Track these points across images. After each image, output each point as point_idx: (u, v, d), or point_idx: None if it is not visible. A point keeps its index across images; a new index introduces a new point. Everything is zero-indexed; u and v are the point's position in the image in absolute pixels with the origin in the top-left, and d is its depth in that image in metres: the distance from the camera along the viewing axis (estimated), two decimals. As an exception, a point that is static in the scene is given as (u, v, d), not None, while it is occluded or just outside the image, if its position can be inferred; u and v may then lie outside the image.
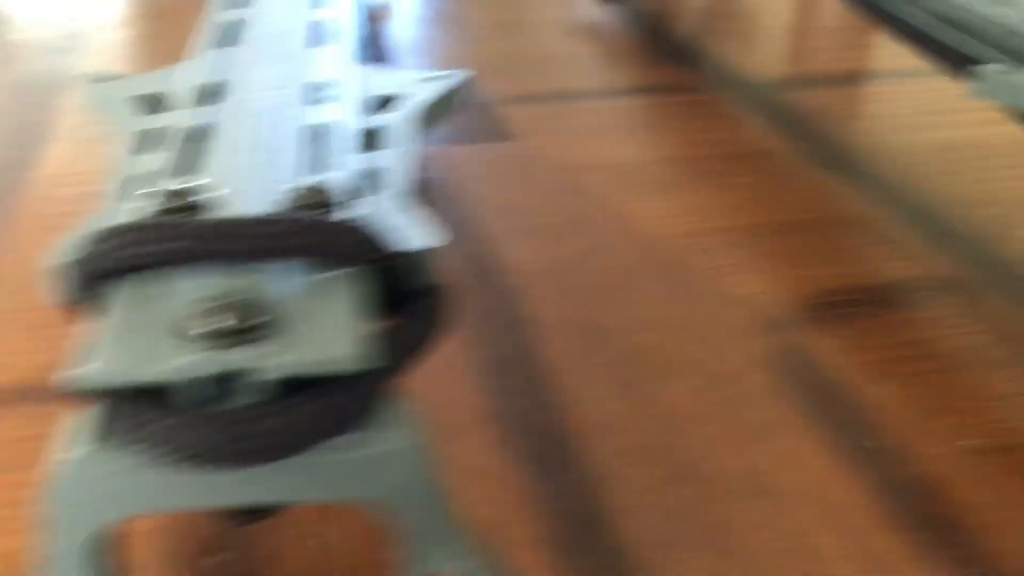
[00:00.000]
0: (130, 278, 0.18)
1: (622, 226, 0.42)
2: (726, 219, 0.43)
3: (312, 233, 0.18)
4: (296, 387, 0.16)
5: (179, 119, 0.25)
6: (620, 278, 0.38)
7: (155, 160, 0.23)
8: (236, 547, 0.26)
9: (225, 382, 0.17)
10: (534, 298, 0.36)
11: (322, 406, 0.16)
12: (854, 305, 0.37)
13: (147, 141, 0.25)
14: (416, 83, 0.29)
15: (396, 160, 0.24)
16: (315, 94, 0.27)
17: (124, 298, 0.18)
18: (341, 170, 0.22)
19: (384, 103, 0.28)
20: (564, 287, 0.37)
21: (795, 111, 0.55)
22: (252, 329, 0.16)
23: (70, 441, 0.17)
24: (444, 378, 0.32)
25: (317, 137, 0.24)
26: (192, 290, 0.18)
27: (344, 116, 0.25)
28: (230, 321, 0.16)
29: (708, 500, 0.27)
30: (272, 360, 0.16)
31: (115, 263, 0.18)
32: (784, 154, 0.49)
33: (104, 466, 0.16)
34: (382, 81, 0.29)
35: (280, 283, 0.18)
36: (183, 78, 0.28)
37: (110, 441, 0.16)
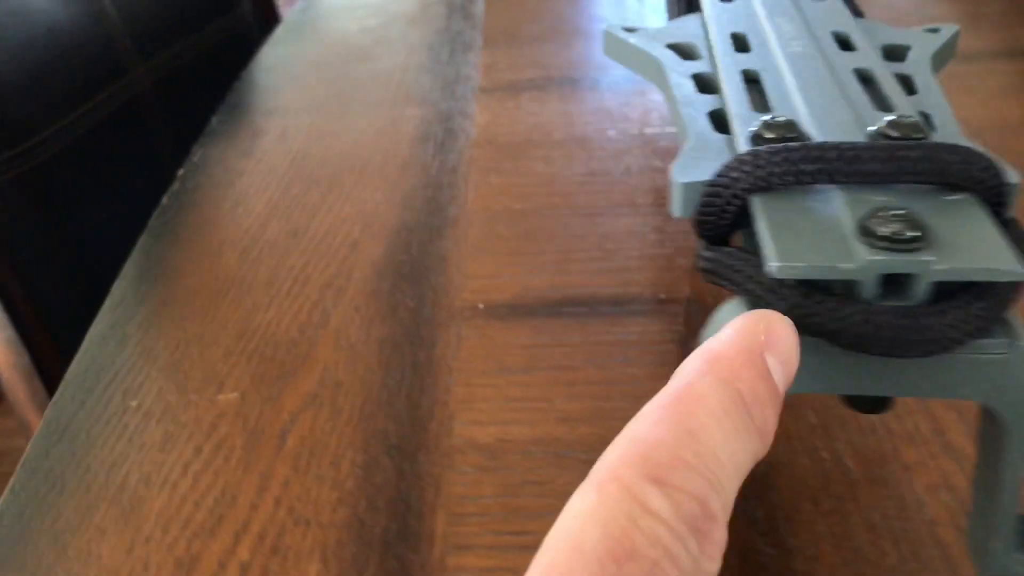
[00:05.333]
0: (768, 194, 0.21)
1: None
2: None
3: (941, 158, 0.20)
4: (941, 292, 0.19)
5: (726, 64, 0.28)
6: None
7: (724, 99, 0.26)
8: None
9: (885, 283, 0.19)
10: None
11: (977, 309, 0.18)
12: None
13: (701, 83, 0.28)
14: (915, 35, 0.31)
15: (941, 101, 0.26)
16: (839, 43, 0.29)
17: (775, 209, 0.20)
18: (903, 109, 0.24)
19: (890, 52, 0.29)
20: None
21: None
22: (917, 239, 0.18)
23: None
24: None
25: (864, 80, 0.26)
26: (846, 203, 0.20)
27: (874, 63, 0.27)
28: (901, 229, 0.18)
29: None
30: (940, 265, 0.18)
31: (757, 181, 0.21)
32: None
33: None
34: (885, 33, 0.30)
35: (917, 202, 0.20)
36: (707, 29, 0.31)
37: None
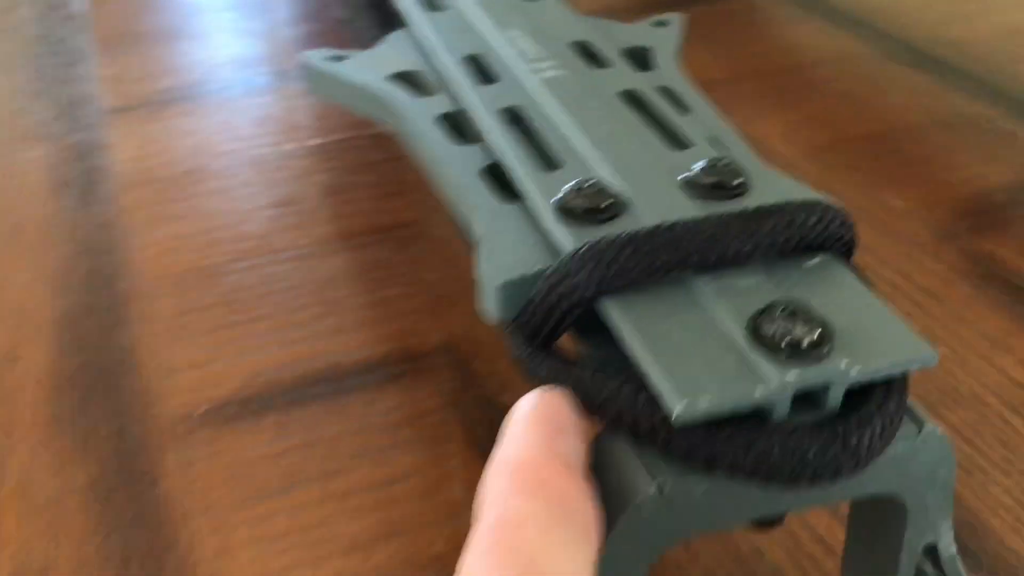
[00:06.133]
0: (621, 296, 0.17)
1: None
2: (848, 128, 0.43)
3: (803, 223, 0.17)
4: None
5: (479, 103, 0.23)
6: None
7: (494, 152, 0.22)
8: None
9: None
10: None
11: (892, 408, 0.16)
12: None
13: (453, 128, 0.23)
14: (647, 32, 0.28)
15: (714, 117, 0.23)
16: (583, 56, 0.25)
17: (640, 319, 0.16)
18: (699, 143, 0.21)
19: (633, 57, 0.27)
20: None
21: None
22: (821, 339, 0.15)
23: (647, 469, 0.16)
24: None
25: (634, 103, 0.23)
26: (716, 295, 0.17)
27: (635, 79, 0.24)
28: (801, 333, 0.15)
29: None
30: (856, 368, 0.15)
31: (607, 283, 0.17)
32: (867, 56, 0.49)
33: (686, 490, 0.16)
34: (616, 32, 0.28)
35: (782, 275, 0.17)
36: (427, 51, 0.26)
37: (691, 466, 0.16)
